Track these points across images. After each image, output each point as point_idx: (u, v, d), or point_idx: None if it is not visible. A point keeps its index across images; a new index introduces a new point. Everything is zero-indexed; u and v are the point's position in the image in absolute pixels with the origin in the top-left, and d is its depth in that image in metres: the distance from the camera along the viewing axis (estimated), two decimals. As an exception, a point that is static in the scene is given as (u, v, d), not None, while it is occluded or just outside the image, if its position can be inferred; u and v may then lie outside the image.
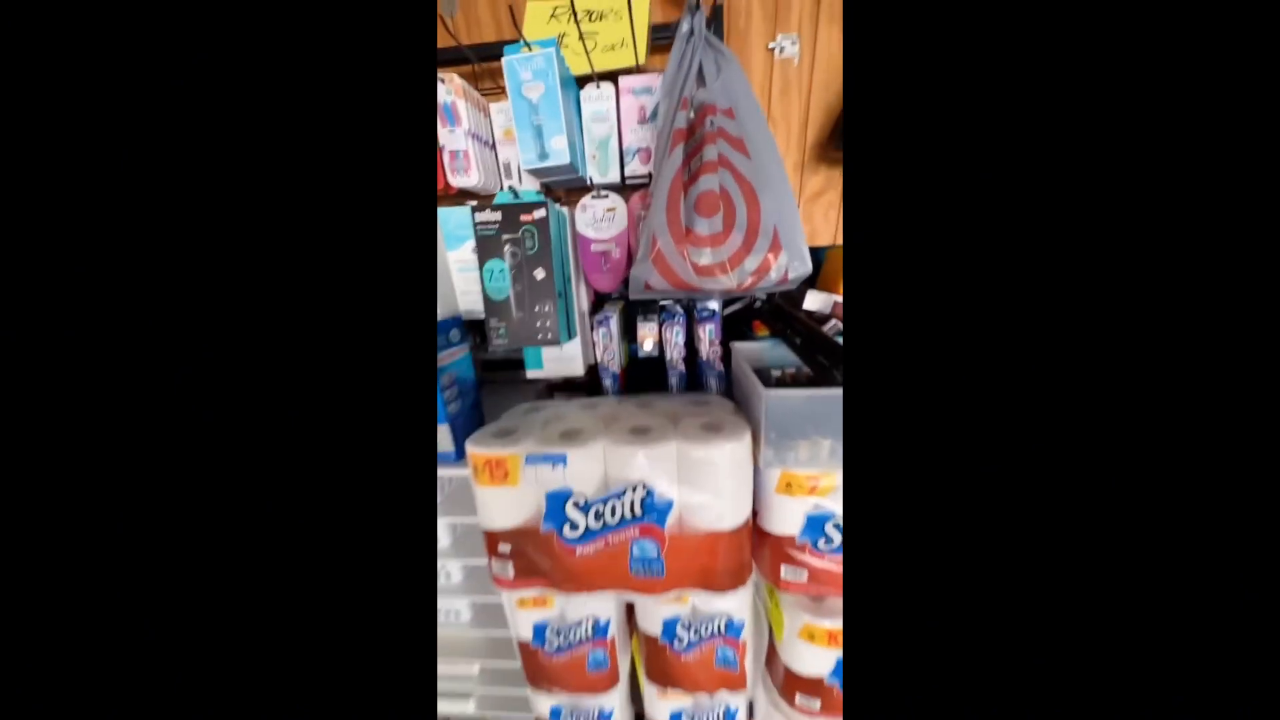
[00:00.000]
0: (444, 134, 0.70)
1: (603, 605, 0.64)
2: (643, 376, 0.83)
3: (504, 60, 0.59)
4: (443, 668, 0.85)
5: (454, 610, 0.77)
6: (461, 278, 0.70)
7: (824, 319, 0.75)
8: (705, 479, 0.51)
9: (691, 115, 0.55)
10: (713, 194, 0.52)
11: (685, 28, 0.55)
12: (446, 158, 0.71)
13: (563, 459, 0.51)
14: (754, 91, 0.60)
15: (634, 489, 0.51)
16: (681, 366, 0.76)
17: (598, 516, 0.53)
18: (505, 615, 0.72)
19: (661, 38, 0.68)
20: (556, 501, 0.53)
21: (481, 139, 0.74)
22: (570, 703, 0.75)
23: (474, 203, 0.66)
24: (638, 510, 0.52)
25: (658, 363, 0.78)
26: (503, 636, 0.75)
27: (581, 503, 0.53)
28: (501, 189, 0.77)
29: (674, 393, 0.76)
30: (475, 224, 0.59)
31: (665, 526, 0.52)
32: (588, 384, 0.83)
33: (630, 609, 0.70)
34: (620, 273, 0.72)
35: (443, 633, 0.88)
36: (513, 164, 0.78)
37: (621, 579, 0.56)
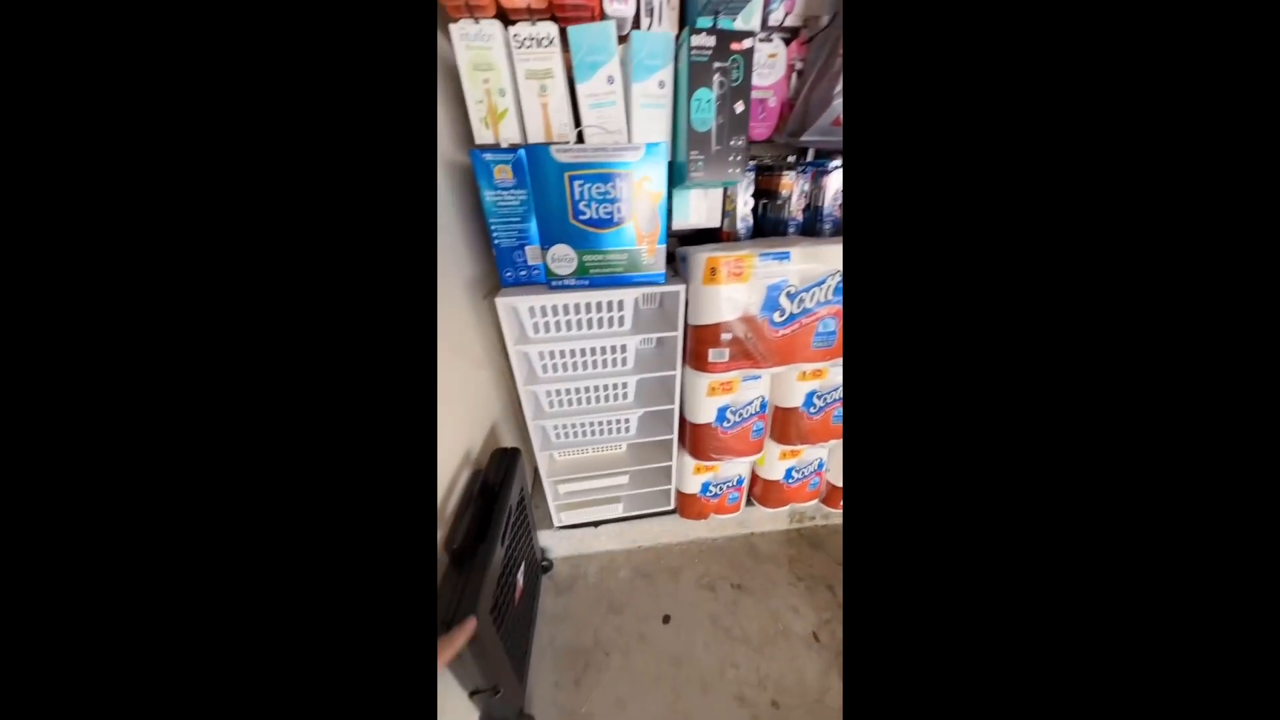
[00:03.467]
0: (609, -41, 0.67)
1: (763, 388, 0.87)
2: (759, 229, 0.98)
3: None
4: (600, 481, 1.04)
5: (624, 421, 0.94)
6: (643, 114, 0.73)
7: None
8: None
9: None
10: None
11: None
12: (608, -17, 0.69)
13: (787, 255, 0.67)
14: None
15: (833, 275, 0.71)
16: (800, 216, 0.93)
17: (800, 303, 0.72)
18: (664, 421, 0.91)
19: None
20: (774, 292, 0.70)
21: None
22: (714, 476, 1.02)
23: (688, 28, 0.66)
24: (830, 295, 0.72)
25: (765, 223, 0.93)
26: (659, 439, 0.96)
27: (791, 291, 0.71)
28: (640, 21, 0.76)
29: (793, 237, 0.93)
30: (691, 48, 0.63)
31: (843, 304, 0.74)
32: (717, 234, 0.95)
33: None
34: (773, 121, 0.82)
35: (603, 454, 1.06)
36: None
37: (805, 353, 0.78)
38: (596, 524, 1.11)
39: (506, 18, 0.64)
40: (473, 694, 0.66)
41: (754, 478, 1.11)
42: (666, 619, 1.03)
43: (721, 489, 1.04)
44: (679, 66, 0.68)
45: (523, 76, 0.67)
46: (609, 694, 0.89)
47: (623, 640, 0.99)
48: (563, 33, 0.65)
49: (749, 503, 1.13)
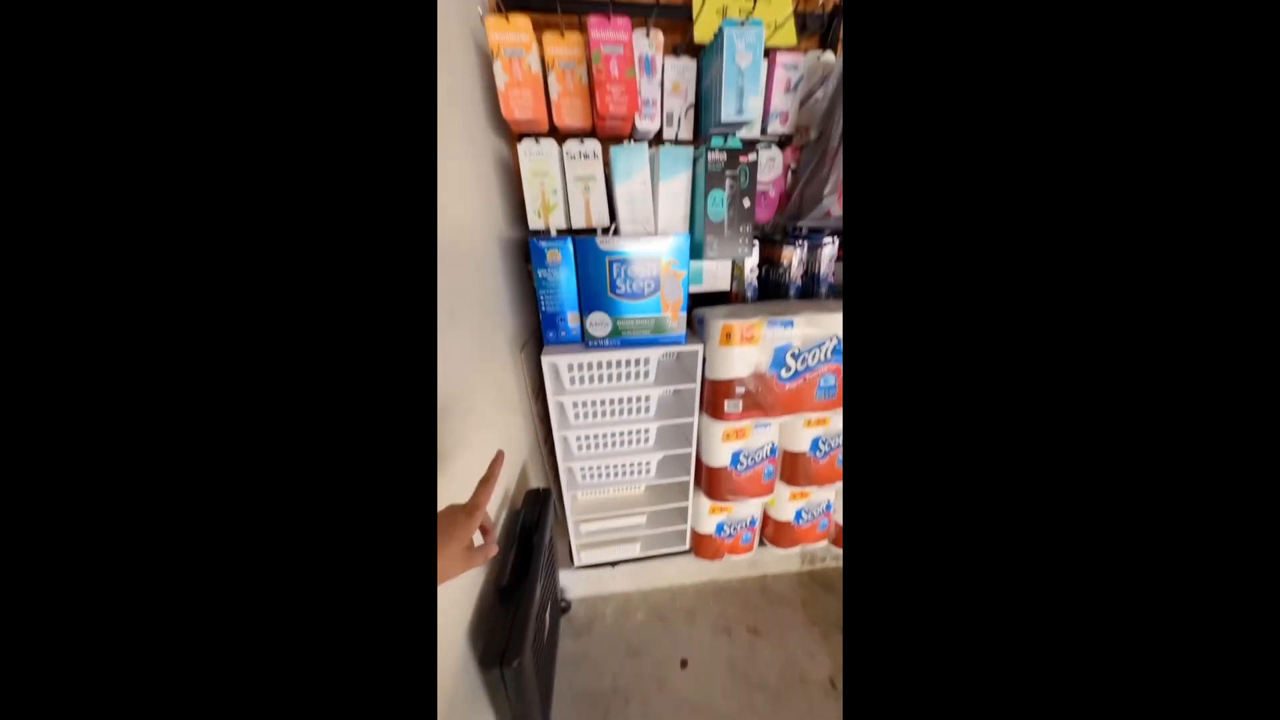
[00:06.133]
0: (643, 83, 0.86)
1: (773, 435, 0.96)
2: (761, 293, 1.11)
3: (725, 31, 0.78)
4: (618, 521, 1.10)
5: (645, 463, 1.01)
6: (667, 205, 0.88)
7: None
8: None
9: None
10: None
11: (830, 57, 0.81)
12: (641, 103, 0.87)
13: (791, 322, 0.79)
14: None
15: (830, 339, 0.82)
16: (799, 281, 1.06)
17: (803, 362, 0.83)
18: (682, 464, 0.99)
19: (810, 26, 0.92)
20: (781, 352, 0.82)
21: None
22: (728, 517, 1.08)
23: (704, 145, 0.82)
24: (829, 355, 0.83)
25: (769, 285, 1.07)
26: (675, 481, 1.03)
27: (795, 352, 0.82)
28: (663, 134, 0.94)
29: (793, 299, 1.07)
30: (708, 161, 0.79)
31: (841, 363, 0.85)
32: (728, 296, 1.08)
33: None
34: (772, 209, 0.97)
35: (622, 493, 1.12)
36: (674, 114, 0.95)
37: (809, 404, 0.88)
38: (614, 564, 1.15)
39: (560, 137, 0.81)
40: (509, 731, 0.69)
41: (765, 519, 1.16)
42: (684, 664, 1.05)
43: (735, 529, 1.09)
44: (697, 172, 0.84)
45: (571, 179, 0.83)
46: (631, 740, 0.90)
47: (641, 686, 1.00)
48: (603, 142, 0.81)
49: (761, 543, 1.18)
